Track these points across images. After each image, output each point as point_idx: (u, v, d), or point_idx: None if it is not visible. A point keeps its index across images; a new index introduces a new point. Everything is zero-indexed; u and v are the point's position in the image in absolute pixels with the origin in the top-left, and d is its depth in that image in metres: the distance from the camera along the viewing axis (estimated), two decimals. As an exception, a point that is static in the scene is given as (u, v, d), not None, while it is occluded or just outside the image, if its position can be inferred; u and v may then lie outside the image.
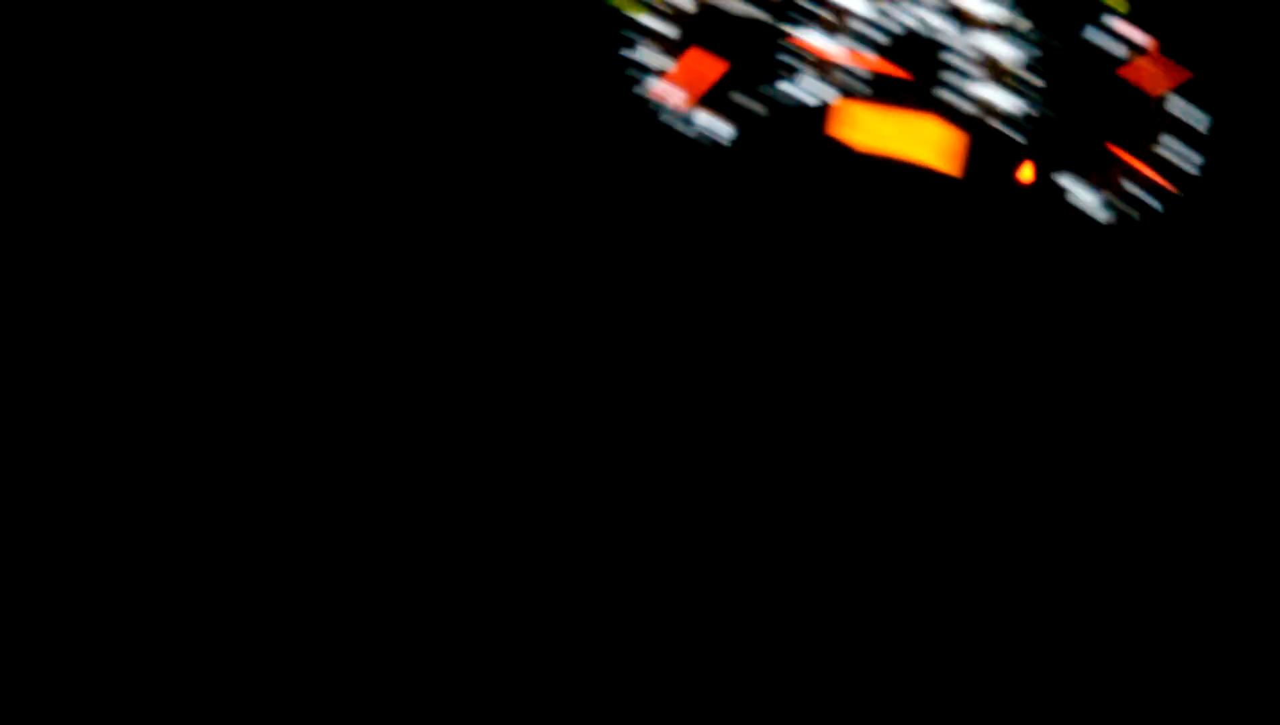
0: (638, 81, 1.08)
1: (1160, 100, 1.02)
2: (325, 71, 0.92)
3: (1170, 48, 1.02)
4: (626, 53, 1.08)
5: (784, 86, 1.06)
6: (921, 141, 1.02)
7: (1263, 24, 0.99)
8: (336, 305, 0.77)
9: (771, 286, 0.73)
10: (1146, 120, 1.02)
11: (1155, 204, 1.02)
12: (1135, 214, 1.02)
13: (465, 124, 0.98)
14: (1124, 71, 1.03)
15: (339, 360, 0.72)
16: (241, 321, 0.75)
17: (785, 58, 1.06)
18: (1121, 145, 1.02)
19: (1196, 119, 1.01)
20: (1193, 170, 1.01)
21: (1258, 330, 0.93)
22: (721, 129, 1.07)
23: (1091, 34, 1.03)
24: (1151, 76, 1.02)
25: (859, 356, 0.78)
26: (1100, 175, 1.02)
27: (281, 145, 0.87)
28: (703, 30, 1.08)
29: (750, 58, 1.06)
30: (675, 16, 1.08)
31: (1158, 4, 1.02)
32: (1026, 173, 1.01)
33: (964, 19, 1.04)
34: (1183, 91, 1.02)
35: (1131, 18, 1.02)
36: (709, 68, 1.07)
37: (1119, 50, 1.03)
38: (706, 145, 1.07)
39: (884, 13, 1.05)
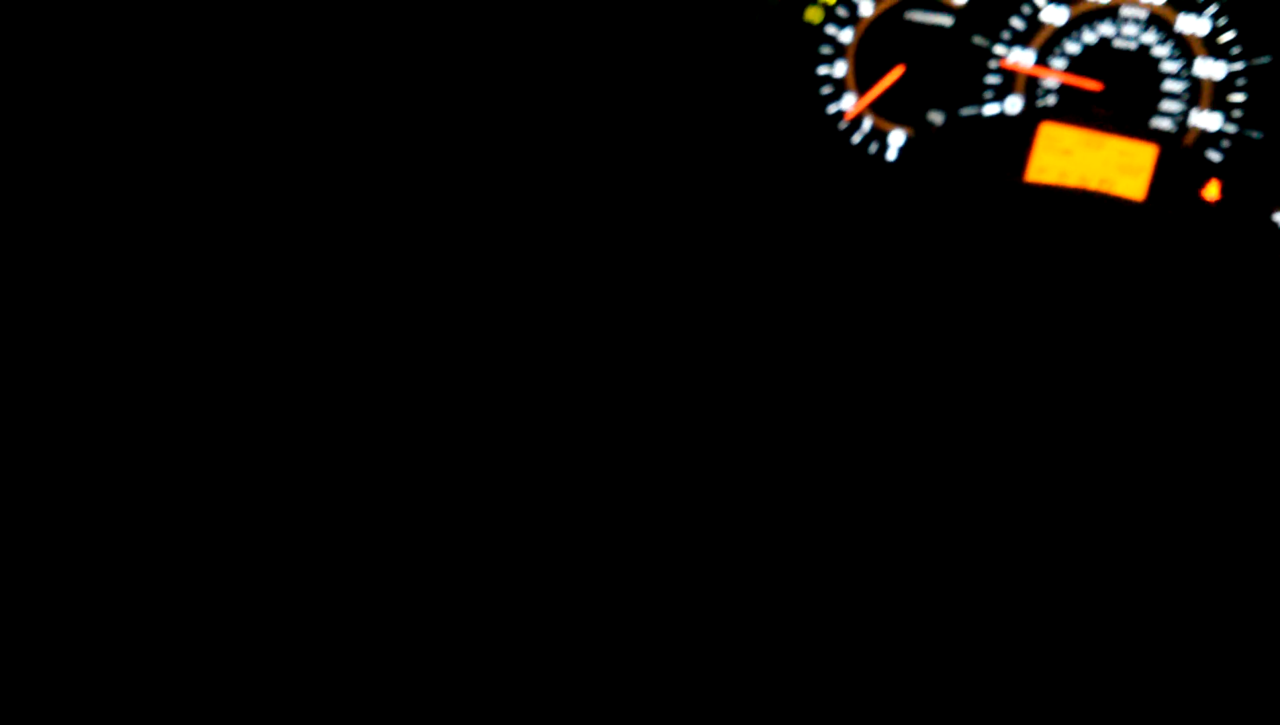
0: (816, 88, 1.11)
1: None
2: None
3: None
4: (807, 60, 1.10)
5: (965, 96, 1.07)
6: (1110, 159, 1.02)
7: None
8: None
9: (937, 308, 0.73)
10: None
11: (1362, 227, 1.00)
12: (1340, 237, 1.01)
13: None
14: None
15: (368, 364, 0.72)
16: (239, 324, 0.75)
17: (970, 66, 1.07)
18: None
19: None
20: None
21: None
22: (893, 137, 1.10)
23: (1302, 46, 1.01)
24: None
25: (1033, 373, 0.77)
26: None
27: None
28: (883, 36, 1.09)
29: (933, 65, 1.08)
30: (852, 20, 1.10)
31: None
32: (1212, 191, 1.00)
33: (1164, 31, 1.03)
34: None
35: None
36: (887, 73, 1.09)
37: (1331, 64, 1.00)
38: (873, 154, 1.10)
39: (1079, 23, 1.05)
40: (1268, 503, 0.67)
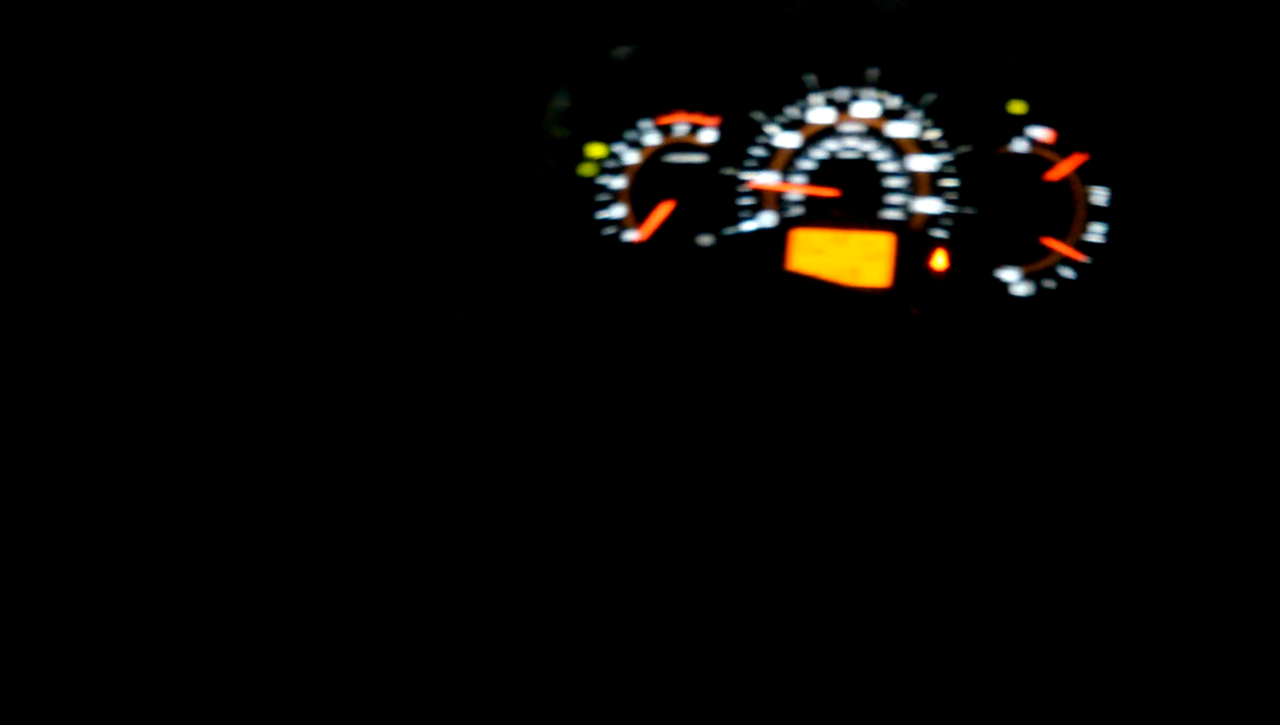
0: (600, 230, 1.27)
1: (1063, 182, 1.17)
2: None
3: (1067, 136, 1.17)
4: (588, 206, 1.27)
5: (728, 219, 1.23)
6: (855, 251, 1.18)
7: (1148, 104, 1.13)
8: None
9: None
10: (1052, 202, 1.17)
11: (1070, 273, 1.16)
12: (1052, 284, 1.17)
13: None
14: (1027, 163, 1.18)
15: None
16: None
17: (726, 194, 1.23)
18: (1031, 225, 1.17)
19: (1097, 194, 1.16)
20: (1097, 238, 1.15)
21: (1172, 371, 1.05)
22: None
23: (996, 134, 1.19)
24: (1053, 163, 1.17)
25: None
26: (1016, 255, 1.18)
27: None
28: (650, 177, 1.26)
29: (696, 196, 1.24)
30: (621, 169, 1.27)
31: (1054, 101, 1.18)
32: (939, 261, 1.16)
33: (880, 139, 1.21)
34: (1082, 172, 1.17)
35: (1031, 116, 1.18)
36: (659, 209, 1.25)
37: (1022, 145, 1.18)
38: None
39: (809, 143, 1.22)
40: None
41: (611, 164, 1.27)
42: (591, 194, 1.27)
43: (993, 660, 0.69)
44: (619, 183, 1.27)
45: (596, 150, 1.27)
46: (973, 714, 0.67)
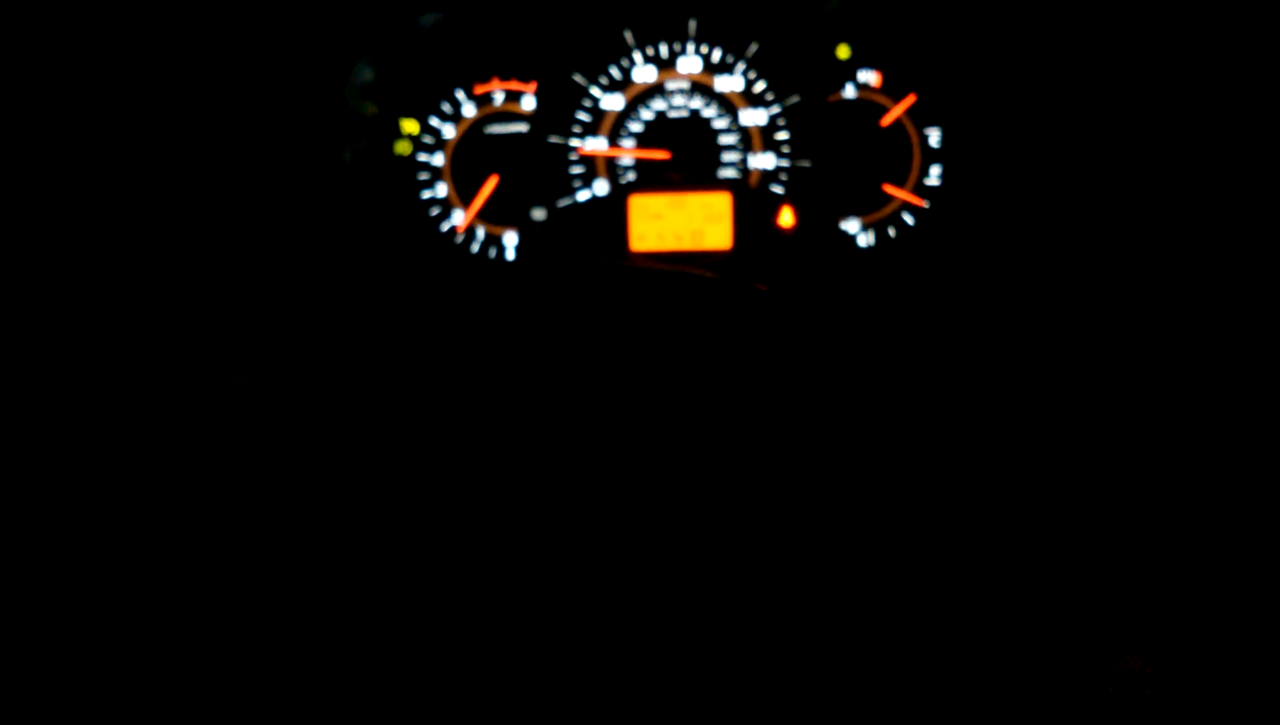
0: (424, 211, 1.18)
1: (894, 125, 1.15)
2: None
3: (893, 77, 1.15)
4: (408, 188, 1.18)
5: (558, 189, 1.16)
6: (694, 213, 1.13)
7: (973, 38, 1.11)
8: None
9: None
10: (888, 147, 1.15)
11: (909, 218, 1.15)
12: (893, 231, 1.15)
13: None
14: (859, 109, 1.15)
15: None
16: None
17: (554, 162, 1.16)
18: (871, 174, 1.15)
19: (928, 135, 1.14)
20: (934, 181, 1.14)
21: (1010, 322, 1.05)
22: (507, 239, 1.18)
23: (825, 82, 1.15)
24: (885, 107, 1.15)
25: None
26: (856, 204, 1.15)
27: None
28: (471, 150, 1.18)
29: (522, 168, 1.17)
30: (440, 145, 1.18)
31: (877, 43, 1.15)
32: (786, 218, 1.13)
33: (708, 95, 1.16)
34: (914, 114, 1.15)
35: (855, 60, 1.15)
36: (482, 184, 1.17)
37: (850, 91, 1.15)
38: (491, 258, 1.18)
39: (635, 105, 1.16)
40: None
41: (427, 140, 1.18)
42: (410, 173, 1.18)
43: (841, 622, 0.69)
44: (438, 159, 1.18)
45: (410, 126, 1.18)
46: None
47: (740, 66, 1.15)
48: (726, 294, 0.81)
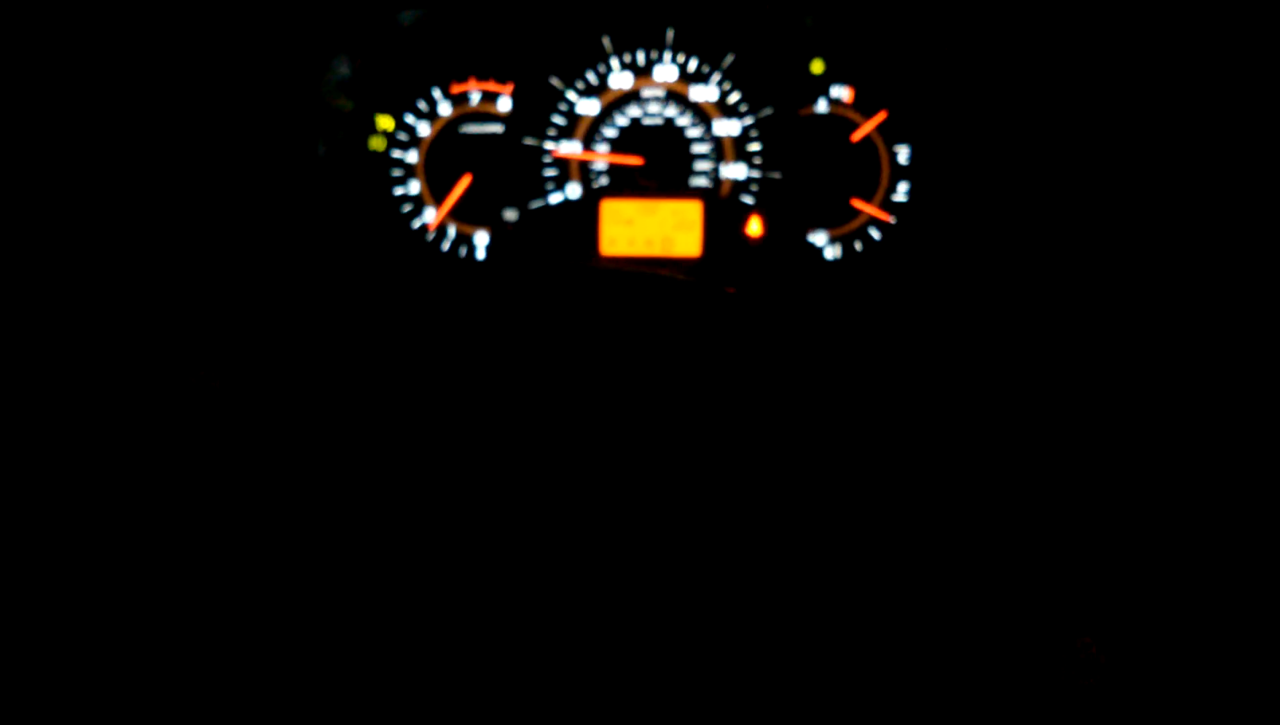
0: (396, 207, 1.19)
1: (867, 141, 1.17)
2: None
3: (865, 94, 1.17)
4: (381, 183, 1.19)
5: (530, 190, 1.17)
6: (665, 220, 1.14)
7: (944, 58, 1.13)
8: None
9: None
10: (857, 162, 1.17)
11: (875, 233, 1.16)
12: (860, 246, 1.17)
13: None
14: (830, 123, 1.17)
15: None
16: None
17: (528, 164, 1.17)
18: (840, 187, 1.17)
19: (897, 151, 1.16)
20: (902, 197, 1.16)
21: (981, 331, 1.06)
22: (478, 238, 1.19)
23: (798, 95, 1.17)
24: (855, 123, 1.17)
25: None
26: (824, 216, 1.17)
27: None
28: (445, 149, 1.19)
29: (496, 169, 1.18)
30: (414, 142, 1.19)
31: (852, 59, 1.16)
32: (755, 228, 1.14)
33: (683, 103, 1.17)
34: (884, 130, 1.16)
35: (829, 75, 1.17)
36: (455, 183, 1.18)
37: (822, 106, 1.17)
38: (462, 257, 1.19)
39: (610, 110, 1.17)
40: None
41: (402, 136, 1.18)
42: (383, 169, 1.18)
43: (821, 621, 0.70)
44: (412, 157, 1.19)
45: (385, 122, 1.18)
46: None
47: (715, 77, 1.16)
48: (695, 297, 0.82)
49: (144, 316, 0.92)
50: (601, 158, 1.17)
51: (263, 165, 1.08)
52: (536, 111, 1.17)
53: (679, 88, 1.17)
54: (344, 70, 1.15)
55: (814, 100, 1.16)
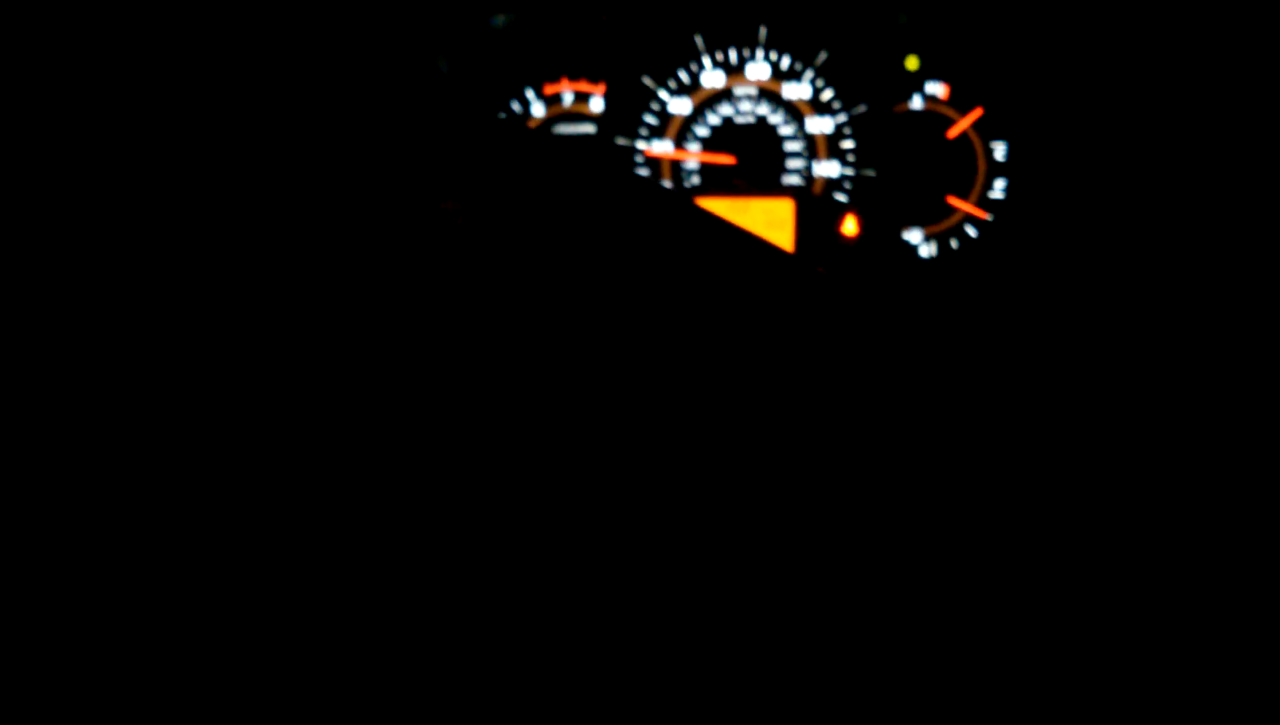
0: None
1: (962, 138, 1.15)
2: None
3: (960, 90, 1.15)
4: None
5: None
6: (756, 219, 1.14)
7: (1040, 54, 1.12)
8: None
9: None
10: (953, 159, 1.15)
11: (971, 231, 1.15)
12: (956, 243, 1.15)
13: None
14: (925, 120, 1.16)
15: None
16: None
17: (621, 165, 1.18)
18: (935, 185, 1.15)
19: (994, 148, 1.14)
20: (999, 194, 1.14)
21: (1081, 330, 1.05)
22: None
23: (892, 92, 1.16)
24: (951, 119, 1.15)
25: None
26: (921, 215, 1.16)
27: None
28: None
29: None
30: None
31: (947, 55, 1.15)
32: (850, 227, 1.13)
33: (775, 101, 1.16)
34: (979, 127, 1.15)
35: (923, 71, 1.15)
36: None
37: (918, 102, 1.16)
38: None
39: (702, 109, 1.17)
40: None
41: (497, 139, 1.20)
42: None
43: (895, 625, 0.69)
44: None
45: (479, 124, 1.20)
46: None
47: (808, 74, 1.15)
48: (788, 270, 0.80)
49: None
50: (694, 157, 1.17)
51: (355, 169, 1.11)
52: (629, 111, 1.17)
53: (771, 86, 1.16)
54: (441, 72, 1.17)
55: (909, 97, 1.15)
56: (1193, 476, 0.84)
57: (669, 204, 0.81)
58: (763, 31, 1.16)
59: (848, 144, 1.15)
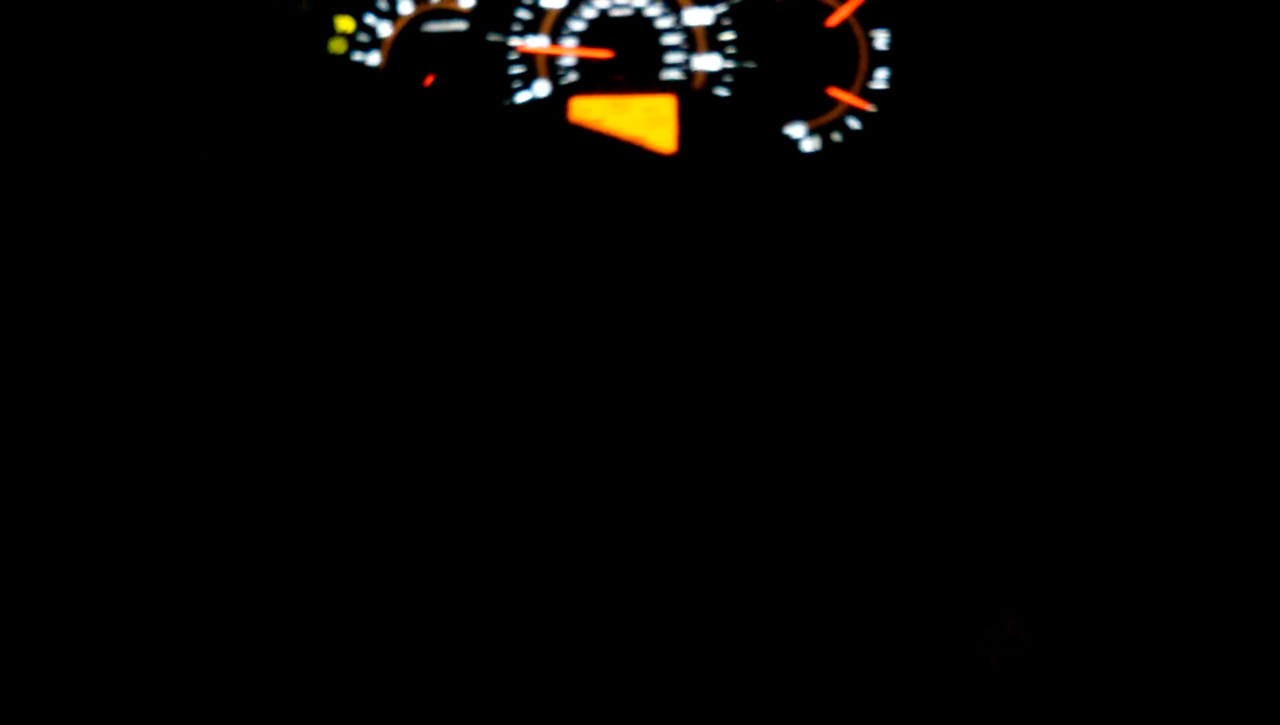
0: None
1: (843, 27, 1.12)
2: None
3: (842, -22, 1.12)
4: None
5: (499, 91, 1.13)
6: (637, 117, 1.11)
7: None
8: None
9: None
10: (834, 49, 1.13)
11: (854, 123, 1.13)
12: (838, 136, 1.13)
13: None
14: (805, 9, 1.13)
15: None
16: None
17: (494, 63, 1.13)
18: (816, 76, 1.13)
19: (875, 37, 1.12)
20: (881, 85, 1.12)
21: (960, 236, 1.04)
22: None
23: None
24: (831, 8, 1.12)
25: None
26: (802, 109, 1.13)
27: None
28: (408, 50, 1.15)
29: (460, 68, 1.14)
30: (376, 44, 1.15)
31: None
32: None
33: (652, -8, 1.13)
34: (859, 15, 1.12)
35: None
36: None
37: (797, -10, 1.12)
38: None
39: (577, 2, 1.13)
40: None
41: (363, 38, 1.14)
42: (346, 71, 1.14)
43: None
44: (374, 59, 1.15)
45: (345, 24, 1.14)
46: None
47: (685, -37, 1.11)
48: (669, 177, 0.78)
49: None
50: (568, 52, 1.13)
51: (220, 71, 1.05)
52: (501, 6, 1.12)
53: (648, -24, 1.12)
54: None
55: (787, -16, 1.12)
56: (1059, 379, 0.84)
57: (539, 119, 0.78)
58: (637, -82, 1.11)
59: (727, 36, 1.12)
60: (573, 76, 1.13)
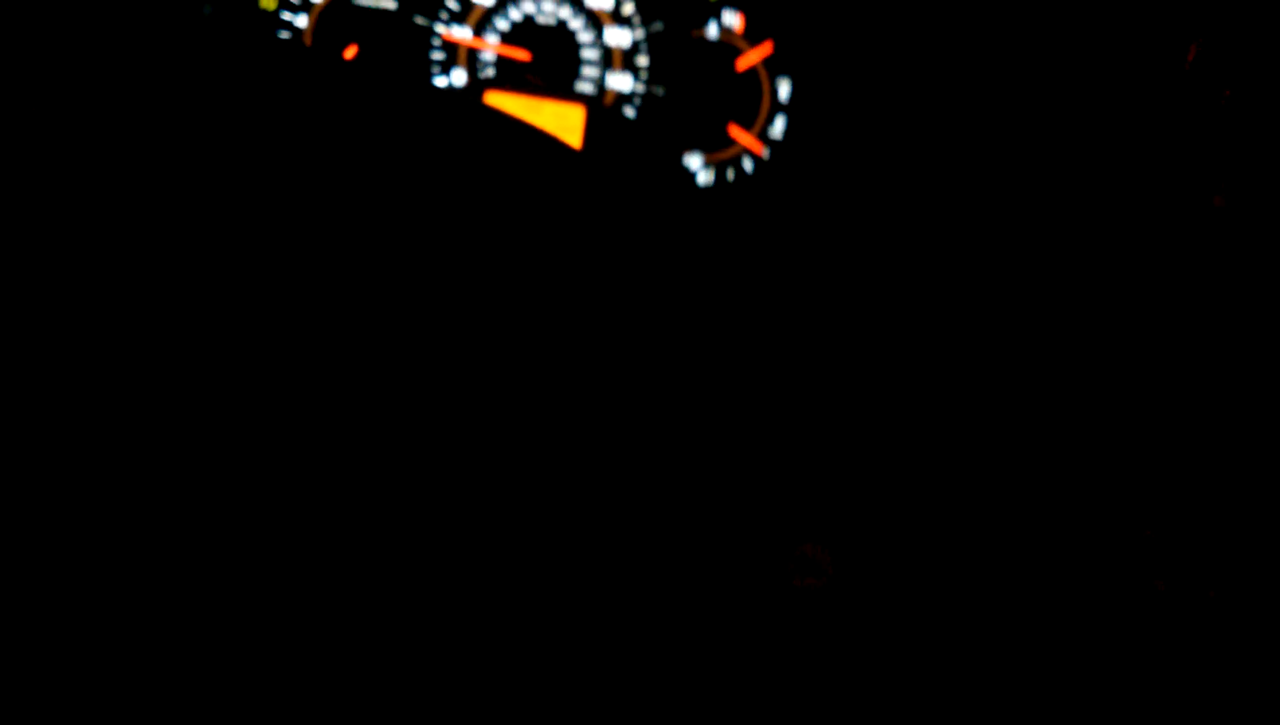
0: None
1: (751, 72, 1.19)
2: None
3: (755, 23, 1.19)
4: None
5: (417, 73, 1.17)
6: (547, 121, 1.16)
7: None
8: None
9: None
10: (740, 91, 1.19)
11: (748, 165, 1.20)
12: (731, 174, 1.20)
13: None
14: (718, 49, 1.19)
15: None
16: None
17: (417, 46, 1.17)
18: (719, 113, 1.19)
19: (779, 85, 1.19)
20: (778, 134, 1.19)
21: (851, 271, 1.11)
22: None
23: (691, 16, 1.18)
24: (742, 51, 1.19)
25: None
26: (702, 141, 1.20)
27: None
28: (336, 20, 1.18)
29: (383, 45, 1.17)
30: (306, 7, 1.18)
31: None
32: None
33: (577, 6, 1.18)
34: (769, 63, 1.19)
35: (723, 0, 1.18)
36: (342, 52, 1.17)
37: (713, 30, 1.19)
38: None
39: (505, 3, 1.18)
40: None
41: (295, 0, 1.17)
42: (272, 31, 1.17)
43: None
44: (301, 21, 1.17)
45: (277, -19, 1.16)
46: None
47: (614, -15, 1.17)
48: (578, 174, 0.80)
49: None
50: (489, 48, 1.17)
51: (146, 24, 1.06)
52: (431, -7, 1.16)
53: (576, -10, 1.17)
54: (240, -80, 1.13)
55: (706, 23, 1.18)
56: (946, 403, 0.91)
57: (457, 101, 0.81)
58: (575, -66, 1.16)
59: (642, 60, 1.18)
60: (490, 71, 1.18)
